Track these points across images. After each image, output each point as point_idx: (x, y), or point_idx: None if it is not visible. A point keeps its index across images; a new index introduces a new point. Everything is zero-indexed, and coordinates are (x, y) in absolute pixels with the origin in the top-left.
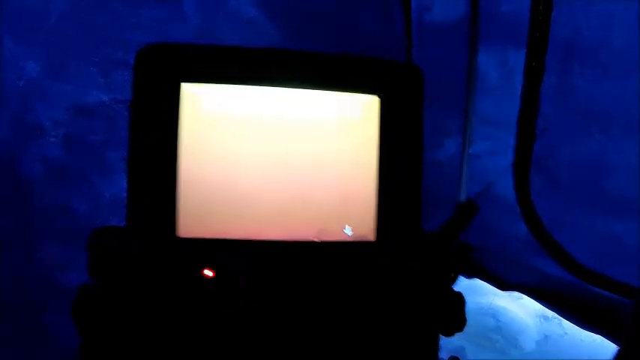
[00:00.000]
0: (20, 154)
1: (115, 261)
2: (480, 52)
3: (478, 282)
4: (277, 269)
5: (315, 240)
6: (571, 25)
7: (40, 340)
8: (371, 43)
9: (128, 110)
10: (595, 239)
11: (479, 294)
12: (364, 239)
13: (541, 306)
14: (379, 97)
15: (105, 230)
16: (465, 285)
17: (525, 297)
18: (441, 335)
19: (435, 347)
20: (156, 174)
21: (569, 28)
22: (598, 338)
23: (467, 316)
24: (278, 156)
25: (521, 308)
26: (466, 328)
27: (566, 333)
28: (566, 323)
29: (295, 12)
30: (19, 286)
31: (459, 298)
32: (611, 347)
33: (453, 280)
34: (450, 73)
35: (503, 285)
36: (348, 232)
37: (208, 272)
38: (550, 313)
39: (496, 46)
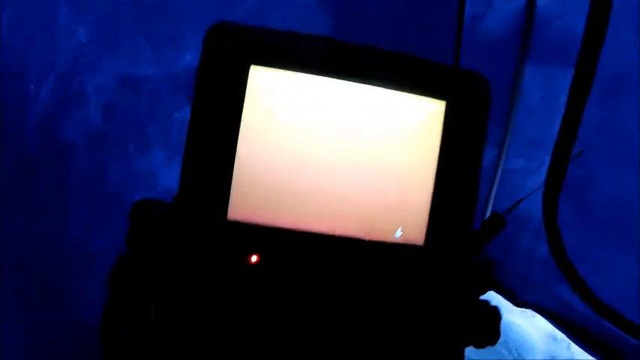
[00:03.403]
0: (63, 117)
1: (158, 235)
2: (527, 68)
3: (493, 295)
4: (323, 262)
5: (365, 238)
6: (622, 56)
7: (63, 303)
8: (419, 45)
9: (183, 85)
10: (618, 276)
11: None
12: (413, 243)
13: (552, 327)
14: (445, 102)
15: (148, 203)
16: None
17: (538, 316)
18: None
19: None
20: (213, 153)
21: (619, 59)
22: None
23: None
24: (337, 150)
25: (532, 327)
26: None
27: (573, 357)
28: (574, 347)
29: (346, 6)
30: (49, 245)
31: (496, 313)
32: None
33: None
34: (494, 86)
35: (518, 302)
36: (398, 235)
37: (254, 258)
38: (560, 335)
39: (544, 64)
